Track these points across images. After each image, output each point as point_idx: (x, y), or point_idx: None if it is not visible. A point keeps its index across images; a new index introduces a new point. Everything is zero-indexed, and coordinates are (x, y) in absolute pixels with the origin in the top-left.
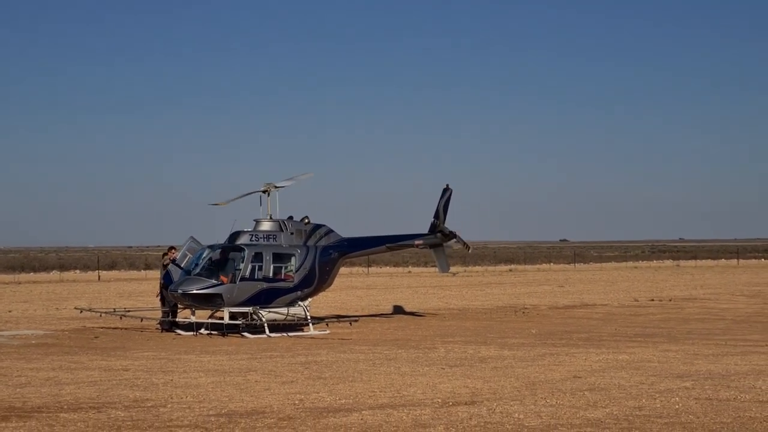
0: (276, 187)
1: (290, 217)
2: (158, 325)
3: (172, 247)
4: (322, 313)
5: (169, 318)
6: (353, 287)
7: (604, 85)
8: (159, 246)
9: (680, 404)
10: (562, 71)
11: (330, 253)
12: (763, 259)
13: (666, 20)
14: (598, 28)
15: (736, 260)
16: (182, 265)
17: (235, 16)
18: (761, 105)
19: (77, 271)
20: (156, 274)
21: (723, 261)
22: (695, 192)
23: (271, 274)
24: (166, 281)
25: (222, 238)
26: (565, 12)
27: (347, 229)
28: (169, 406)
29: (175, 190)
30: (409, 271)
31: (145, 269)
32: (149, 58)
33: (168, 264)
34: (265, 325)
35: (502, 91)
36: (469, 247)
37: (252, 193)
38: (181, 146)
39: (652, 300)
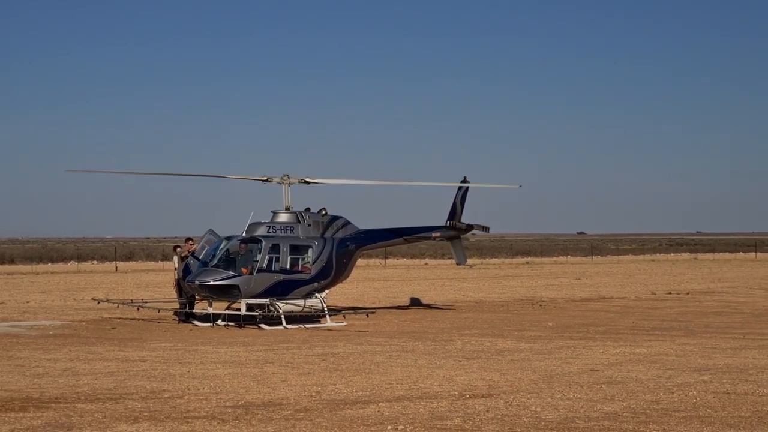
0: (307, 182)
1: (307, 209)
2: (175, 316)
3: (189, 239)
4: (339, 305)
5: (186, 309)
6: (370, 279)
7: (621, 79)
8: (176, 237)
9: (698, 398)
10: (580, 64)
11: (347, 245)
12: None
13: (665, 17)
14: (609, 23)
15: (754, 253)
16: (200, 257)
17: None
18: None
19: (95, 262)
20: (171, 265)
21: (741, 254)
22: (713, 185)
23: (288, 266)
24: (186, 273)
25: (240, 230)
26: (584, 4)
27: (363, 221)
28: (186, 397)
29: (192, 181)
30: (426, 264)
31: (162, 260)
32: (156, 48)
33: (186, 256)
34: (282, 316)
35: (520, 82)
36: (487, 228)
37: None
38: (199, 137)
39: (670, 293)
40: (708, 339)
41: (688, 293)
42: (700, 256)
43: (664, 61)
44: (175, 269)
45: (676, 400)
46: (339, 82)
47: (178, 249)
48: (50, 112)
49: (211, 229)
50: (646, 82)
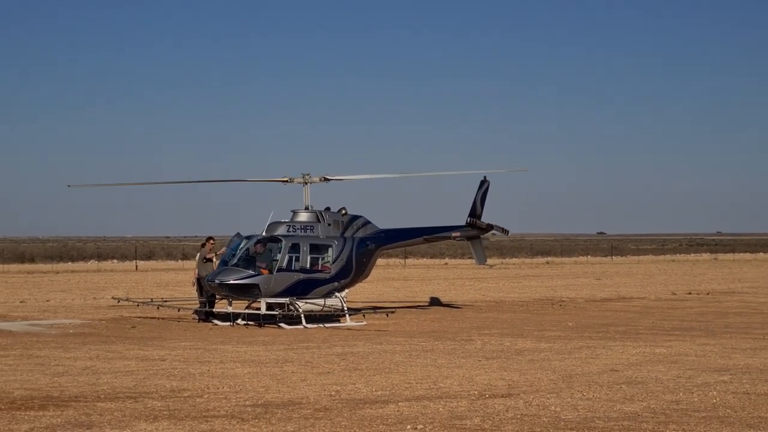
0: (327, 179)
1: (327, 208)
2: (194, 315)
3: (210, 238)
4: (358, 305)
5: (206, 308)
6: (390, 279)
7: (641, 77)
8: (196, 236)
9: (718, 398)
10: (595, 64)
11: (367, 245)
12: None
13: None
14: (624, 19)
15: None
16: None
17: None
18: None
19: (115, 261)
20: (191, 264)
21: (761, 254)
22: (733, 185)
23: (308, 265)
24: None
25: (260, 230)
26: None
27: (383, 221)
28: (206, 396)
29: (213, 181)
30: (446, 263)
31: (182, 259)
32: (167, 48)
33: (209, 258)
34: (302, 316)
35: (539, 82)
36: (507, 231)
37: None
38: (221, 138)
39: (690, 293)
40: (728, 339)
41: (708, 293)
42: (720, 256)
43: (687, 59)
44: (196, 268)
45: (696, 400)
46: (350, 80)
47: (203, 248)
48: (71, 112)
49: (238, 233)
50: (665, 82)
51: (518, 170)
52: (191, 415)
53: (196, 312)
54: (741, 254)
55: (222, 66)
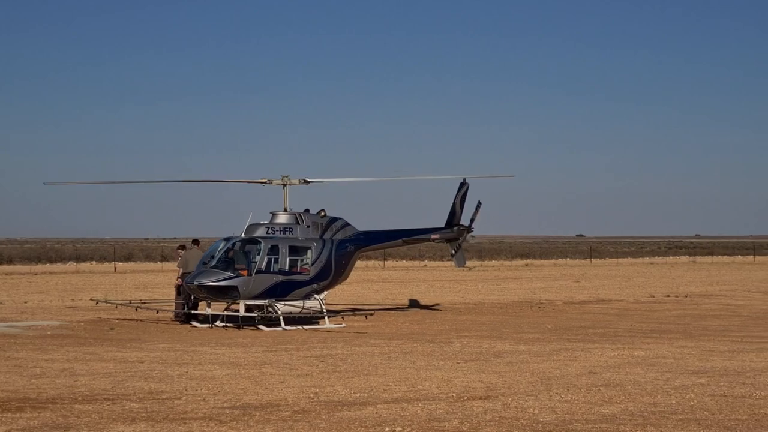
0: (306, 181)
1: (306, 210)
2: (175, 317)
3: (195, 240)
4: (338, 307)
5: (187, 310)
6: (369, 280)
7: (619, 79)
8: (175, 238)
9: (695, 401)
10: (574, 65)
11: (346, 247)
12: None
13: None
14: (604, 16)
15: (752, 257)
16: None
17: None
18: None
19: (93, 262)
20: (171, 266)
21: (739, 257)
22: (712, 188)
23: (287, 267)
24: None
25: (239, 231)
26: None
27: (362, 223)
28: (184, 398)
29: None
30: (425, 265)
31: (161, 261)
32: (152, 51)
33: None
34: (281, 317)
35: (516, 83)
36: (472, 231)
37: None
38: (198, 138)
39: (668, 296)
40: (706, 342)
41: (686, 296)
42: (698, 259)
43: (663, 61)
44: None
45: (673, 402)
46: (331, 81)
47: (181, 251)
48: (50, 113)
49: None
50: (643, 84)
51: (504, 176)
52: (169, 417)
53: (177, 315)
54: (719, 257)
55: (206, 68)
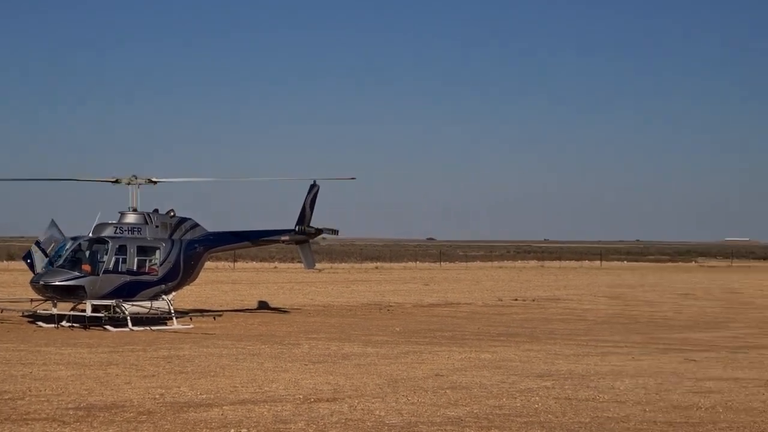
0: (153, 181)
1: (155, 210)
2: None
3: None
4: (186, 308)
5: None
6: (219, 282)
7: (468, 73)
8: (23, 237)
9: (540, 403)
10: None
11: (195, 247)
12: (625, 261)
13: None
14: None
15: (599, 262)
16: (47, 251)
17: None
18: (621, 102)
19: None
20: (18, 265)
21: (587, 262)
22: (561, 194)
23: (135, 267)
24: (26, 260)
25: (87, 230)
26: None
27: (213, 224)
28: (27, 398)
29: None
30: (276, 267)
31: (8, 260)
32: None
33: None
34: (128, 318)
35: (370, 85)
36: (336, 231)
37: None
38: (42, 137)
39: (516, 300)
40: (552, 345)
41: (533, 300)
42: (547, 263)
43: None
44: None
45: (518, 405)
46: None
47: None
48: None
49: (52, 220)
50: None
51: (346, 178)
52: (11, 417)
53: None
54: (567, 261)
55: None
